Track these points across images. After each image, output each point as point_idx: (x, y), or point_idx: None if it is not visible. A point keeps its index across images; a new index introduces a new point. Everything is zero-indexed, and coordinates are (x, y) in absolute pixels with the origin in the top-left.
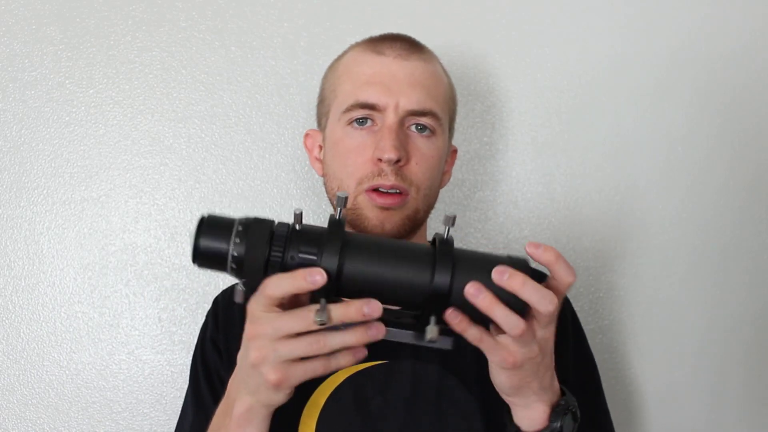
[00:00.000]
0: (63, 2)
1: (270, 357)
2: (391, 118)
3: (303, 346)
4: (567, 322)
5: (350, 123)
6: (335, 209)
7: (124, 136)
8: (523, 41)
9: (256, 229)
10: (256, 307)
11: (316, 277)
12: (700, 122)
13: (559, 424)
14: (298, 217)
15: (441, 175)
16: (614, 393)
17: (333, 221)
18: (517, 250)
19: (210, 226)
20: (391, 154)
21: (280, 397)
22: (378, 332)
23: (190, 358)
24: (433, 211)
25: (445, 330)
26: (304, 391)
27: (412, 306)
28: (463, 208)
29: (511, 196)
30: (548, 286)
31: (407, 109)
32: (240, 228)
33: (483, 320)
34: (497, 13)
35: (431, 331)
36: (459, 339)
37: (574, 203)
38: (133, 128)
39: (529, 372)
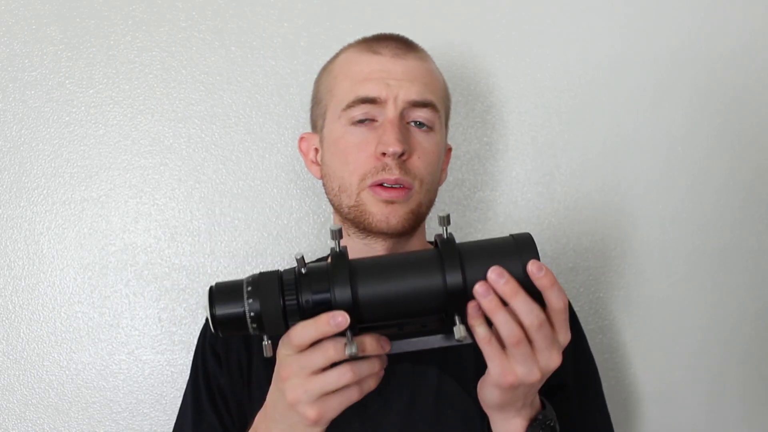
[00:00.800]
0: (63, 2)
1: (304, 396)
2: (391, 111)
3: (334, 379)
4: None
5: (351, 122)
6: (333, 240)
7: (124, 136)
8: (523, 41)
9: (264, 283)
10: (283, 352)
11: (338, 319)
12: (700, 122)
13: None
14: (301, 261)
15: (439, 173)
16: (614, 393)
17: (335, 254)
18: None
19: (220, 294)
20: (396, 148)
21: None
22: (384, 361)
23: (190, 358)
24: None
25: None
26: None
27: (434, 311)
28: (463, 208)
29: (511, 196)
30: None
31: (407, 100)
32: (249, 288)
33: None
34: (497, 13)
35: (459, 330)
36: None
37: (574, 203)
38: (133, 128)
39: (520, 393)
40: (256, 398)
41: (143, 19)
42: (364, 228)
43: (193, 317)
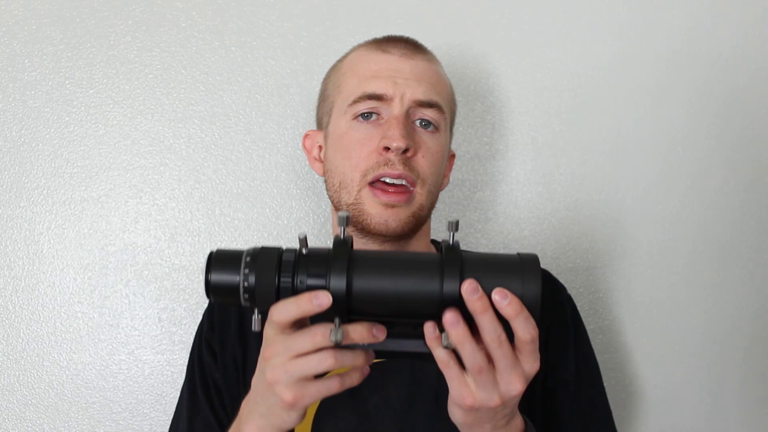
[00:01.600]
0: (63, 2)
1: (284, 376)
2: (397, 108)
3: (314, 363)
4: (567, 318)
5: (356, 117)
6: (338, 228)
7: (124, 136)
8: (523, 41)
9: (263, 258)
10: (269, 331)
11: (322, 300)
12: (700, 122)
13: None
14: (303, 241)
15: (442, 176)
16: (614, 393)
17: (338, 241)
18: (517, 251)
19: (219, 261)
20: (400, 143)
21: (292, 418)
22: (370, 357)
23: None
24: (434, 212)
25: None
26: None
27: (426, 316)
28: (463, 208)
29: (511, 196)
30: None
31: (414, 99)
32: (248, 259)
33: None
34: (497, 13)
35: (446, 337)
36: None
37: (574, 203)
38: (133, 128)
39: (484, 416)
40: None
41: (143, 19)
42: (363, 228)
43: (193, 317)
